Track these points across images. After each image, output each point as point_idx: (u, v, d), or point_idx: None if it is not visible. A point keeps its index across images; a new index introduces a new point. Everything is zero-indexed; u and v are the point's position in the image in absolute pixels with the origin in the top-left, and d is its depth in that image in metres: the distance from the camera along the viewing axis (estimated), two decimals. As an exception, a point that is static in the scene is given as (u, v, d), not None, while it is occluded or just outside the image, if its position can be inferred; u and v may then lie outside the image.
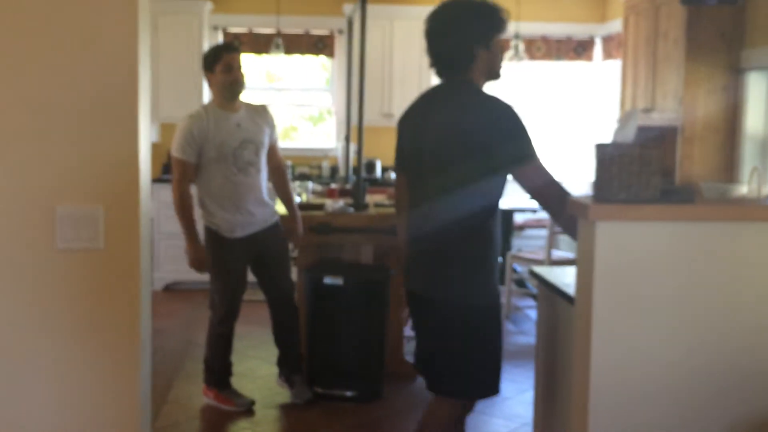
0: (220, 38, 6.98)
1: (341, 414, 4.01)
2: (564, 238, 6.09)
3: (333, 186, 5.43)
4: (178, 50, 6.61)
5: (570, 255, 5.62)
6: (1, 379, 2.11)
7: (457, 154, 2.49)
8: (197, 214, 3.90)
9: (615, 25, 6.68)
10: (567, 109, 7.36)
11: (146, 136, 2.19)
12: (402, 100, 6.76)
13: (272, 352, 4.33)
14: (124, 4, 2.05)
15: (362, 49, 4.50)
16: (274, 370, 4.32)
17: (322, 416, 3.98)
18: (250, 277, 4.06)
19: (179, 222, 3.88)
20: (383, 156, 7.06)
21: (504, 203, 2.73)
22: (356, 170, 4.60)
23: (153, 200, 6.36)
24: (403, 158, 2.73)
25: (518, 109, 2.49)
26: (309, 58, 7.26)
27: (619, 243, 2.16)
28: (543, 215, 6.29)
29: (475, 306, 2.56)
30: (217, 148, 3.78)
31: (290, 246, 4.25)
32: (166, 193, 6.44)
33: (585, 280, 2.23)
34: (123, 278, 2.12)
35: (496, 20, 2.56)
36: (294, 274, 4.46)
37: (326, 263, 4.37)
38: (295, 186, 5.03)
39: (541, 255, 5.61)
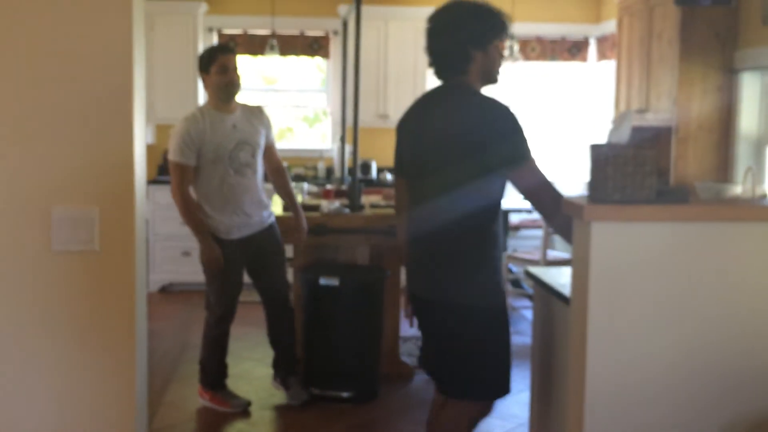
0: (215, 39, 6.98)
1: (337, 415, 4.01)
2: (559, 239, 6.09)
3: (329, 187, 5.43)
4: (173, 51, 6.60)
5: (565, 255, 5.63)
6: (-4, 381, 2.11)
7: (454, 155, 2.50)
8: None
9: (609, 26, 6.69)
10: (561, 109, 7.37)
11: (141, 137, 2.19)
12: (397, 101, 6.79)
13: (268, 354, 4.32)
14: (119, 6, 2.05)
15: (357, 50, 4.50)
16: (270, 371, 4.31)
17: (318, 417, 3.98)
18: (246, 278, 4.05)
19: (187, 225, 3.84)
20: (379, 157, 7.06)
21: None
22: (352, 171, 4.60)
23: (148, 202, 6.36)
24: (402, 161, 2.74)
25: (514, 110, 2.50)
26: (304, 60, 7.26)
27: (614, 243, 2.17)
28: (538, 215, 6.29)
29: (480, 307, 2.56)
30: (214, 150, 3.78)
31: (290, 246, 4.25)
32: (162, 194, 6.47)
33: (580, 280, 2.24)
34: (118, 280, 2.12)
35: (495, 24, 2.58)
36: (290, 275, 4.46)
37: (322, 264, 4.38)
38: (290, 187, 5.03)
39: (536, 255, 5.61)
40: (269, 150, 4.05)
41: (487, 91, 2.63)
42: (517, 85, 7.15)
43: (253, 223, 3.93)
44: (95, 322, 2.11)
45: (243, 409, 4.04)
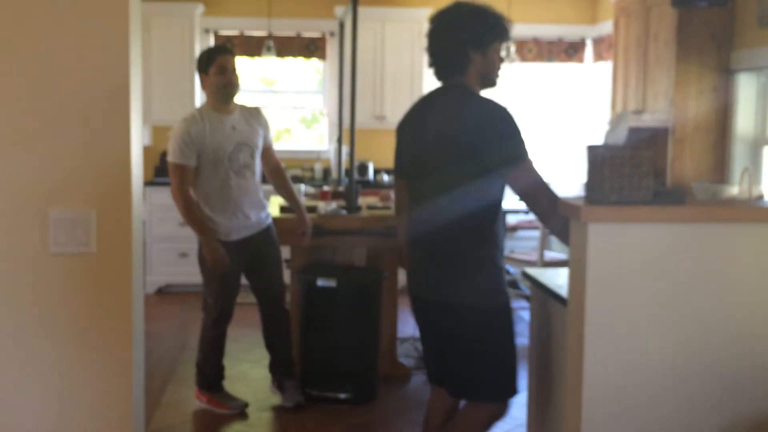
0: (211, 41, 6.98)
1: (335, 416, 4.01)
2: (556, 240, 6.10)
3: (326, 188, 5.43)
4: (170, 53, 6.60)
5: (562, 256, 5.63)
6: (-7, 383, 2.10)
7: (452, 156, 2.51)
8: None
9: (606, 27, 6.70)
10: (558, 110, 7.37)
11: (138, 139, 2.18)
12: (394, 102, 6.79)
13: (265, 355, 4.32)
14: (116, 6, 2.04)
15: (354, 51, 4.50)
16: (268, 373, 4.31)
17: (315, 418, 3.97)
18: (243, 279, 4.04)
19: (190, 227, 3.80)
20: (375, 158, 7.06)
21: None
22: (349, 172, 4.60)
23: (145, 203, 6.35)
24: (402, 162, 2.76)
25: (512, 111, 2.50)
26: (301, 61, 7.26)
27: (611, 244, 2.17)
28: (534, 217, 6.29)
29: (480, 308, 2.57)
30: (214, 151, 3.76)
31: (287, 247, 4.24)
32: (158, 195, 6.46)
33: (577, 281, 2.24)
34: (115, 282, 2.11)
35: (496, 26, 2.59)
36: (287, 276, 4.46)
37: (319, 265, 4.38)
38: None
39: (533, 256, 5.62)
40: (267, 151, 4.04)
41: (485, 93, 2.64)
42: (513, 86, 7.16)
43: (251, 225, 3.92)
44: (92, 324, 2.11)
45: (240, 411, 4.04)
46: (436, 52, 2.61)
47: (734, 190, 2.45)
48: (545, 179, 2.50)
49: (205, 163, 3.76)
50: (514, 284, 6.26)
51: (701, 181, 4.34)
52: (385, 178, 6.88)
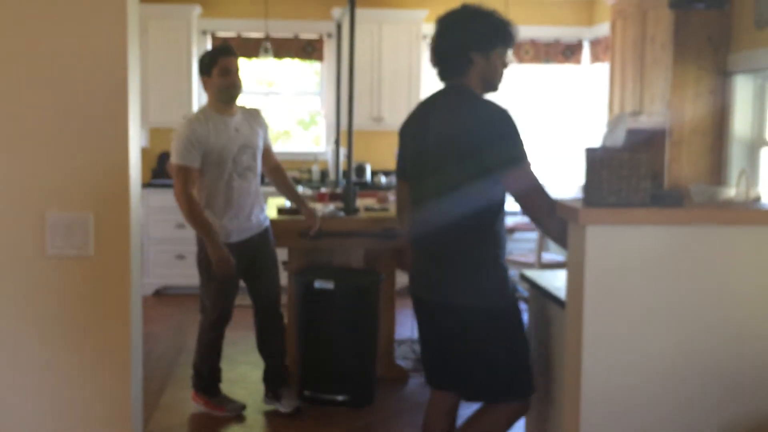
0: (208, 42, 6.97)
1: (333, 418, 4.00)
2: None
3: (323, 190, 5.43)
4: (167, 55, 6.59)
5: (560, 258, 5.64)
6: (-10, 387, 2.10)
7: (453, 157, 2.52)
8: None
9: (603, 29, 6.71)
10: (555, 112, 7.38)
11: (136, 141, 2.18)
12: (391, 104, 6.79)
13: (263, 358, 4.31)
14: (113, 9, 2.04)
15: (351, 53, 4.50)
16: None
17: (313, 421, 3.97)
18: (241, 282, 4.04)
19: (195, 228, 3.75)
20: (373, 160, 7.06)
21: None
22: (346, 174, 4.60)
23: (142, 205, 6.34)
24: (405, 165, 2.77)
25: (512, 113, 2.51)
26: (299, 62, 7.26)
27: (609, 247, 2.17)
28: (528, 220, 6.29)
29: (481, 308, 2.57)
30: (218, 153, 3.73)
31: (284, 249, 4.22)
32: (156, 198, 6.46)
33: (576, 283, 2.24)
34: (113, 285, 2.11)
35: (500, 31, 2.61)
36: (284, 278, 4.45)
37: (317, 267, 4.37)
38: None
39: (531, 258, 5.62)
40: (266, 151, 4.04)
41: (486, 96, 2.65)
42: (511, 88, 7.16)
43: (251, 227, 3.91)
44: (90, 327, 2.11)
45: (238, 413, 4.03)
46: (440, 52, 2.64)
47: (731, 192, 2.46)
48: (541, 183, 2.50)
49: (209, 164, 3.74)
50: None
51: (698, 183, 4.34)
52: (383, 179, 6.88)
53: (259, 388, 4.35)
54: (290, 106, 7.47)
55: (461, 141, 2.50)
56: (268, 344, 4.09)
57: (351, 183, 4.49)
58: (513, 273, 2.73)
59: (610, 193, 2.16)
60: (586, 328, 2.19)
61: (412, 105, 6.95)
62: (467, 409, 2.91)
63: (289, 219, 4.33)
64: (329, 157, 6.88)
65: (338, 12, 6.29)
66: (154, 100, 6.47)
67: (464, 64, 2.58)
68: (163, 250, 6.53)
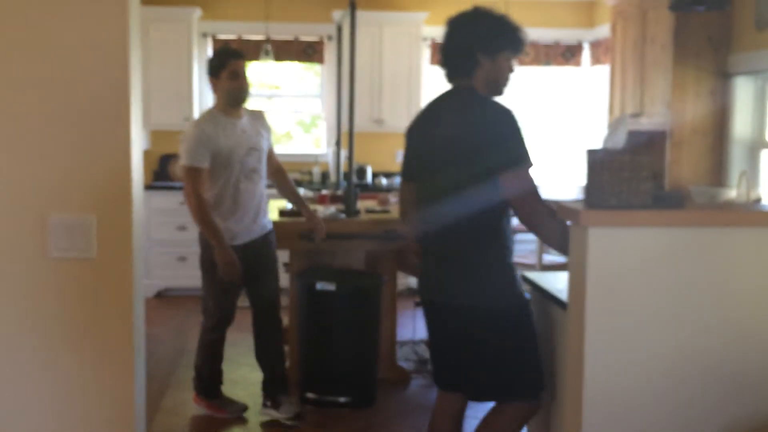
0: (209, 45, 6.98)
1: (335, 420, 4.01)
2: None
3: (324, 192, 5.43)
4: (168, 57, 6.60)
5: (561, 259, 5.64)
6: (-6, 389, 2.10)
7: (458, 158, 2.53)
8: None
9: (603, 30, 6.71)
10: (556, 114, 7.38)
11: (139, 144, 2.19)
12: (392, 106, 6.80)
13: (264, 359, 4.31)
14: (115, 12, 2.05)
15: (352, 55, 4.51)
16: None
17: (315, 423, 3.97)
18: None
19: (203, 230, 3.74)
20: (374, 162, 7.07)
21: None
22: (347, 176, 4.60)
23: (144, 207, 6.34)
24: (411, 166, 2.78)
25: (516, 115, 2.52)
26: (300, 65, 7.26)
27: (611, 248, 2.17)
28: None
29: (497, 309, 2.57)
30: (227, 154, 3.73)
31: (285, 251, 4.21)
32: (157, 200, 6.47)
33: (577, 285, 2.25)
34: (116, 287, 2.11)
35: (508, 35, 2.62)
36: (286, 280, 4.46)
37: (318, 269, 4.38)
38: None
39: (532, 259, 5.63)
40: (269, 153, 4.04)
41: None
42: (511, 90, 7.16)
43: (255, 230, 3.91)
44: (93, 329, 2.11)
45: (240, 414, 4.03)
46: (447, 51, 2.65)
47: (732, 193, 2.46)
48: (538, 188, 2.50)
49: (217, 165, 3.73)
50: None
51: (699, 185, 4.35)
52: (384, 181, 6.89)
53: (260, 389, 4.35)
54: (291, 108, 7.48)
55: (465, 141, 2.52)
56: (266, 350, 4.05)
57: (352, 185, 4.50)
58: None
59: (611, 195, 2.16)
60: (588, 330, 2.19)
61: (413, 107, 6.99)
62: (472, 410, 2.91)
63: (291, 221, 4.33)
64: (330, 159, 6.89)
65: (339, 14, 6.29)
66: (155, 102, 6.47)
67: (470, 65, 2.59)
68: (165, 251, 6.54)
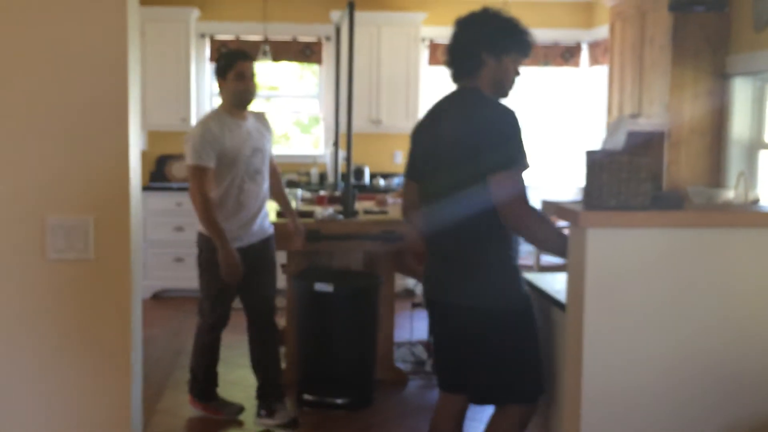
0: (207, 46, 6.98)
1: (332, 421, 4.00)
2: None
3: (322, 193, 5.43)
4: (166, 58, 6.59)
5: (559, 260, 5.64)
6: (-10, 391, 2.09)
7: (461, 158, 2.54)
8: (195, 219, 3.82)
9: (602, 31, 6.71)
10: (554, 114, 7.38)
11: (137, 145, 2.18)
12: (390, 107, 6.80)
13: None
14: (114, 12, 2.04)
15: (350, 55, 4.50)
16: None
17: (312, 424, 3.97)
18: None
19: (208, 230, 3.71)
20: (372, 163, 7.06)
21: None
22: (345, 177, 4.60)
23: (141, 209, 6.33)
24: (416, 166, 2.78)
25: (518, 117, 2.51)
26: (298, 65, 7.26)
27: (609, 249, 2.17)
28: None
29: (500, 310, 2.57)
30: (232, 155, 3.72)
31: (283, 252, 4.20)
32: (154, 201, 6.45)
33: (576, 286, 2.24)
34: (114, 289, 2.11)
35: (515, 37, 2.62)
36: (284, 281, 4.45)
37: (316, 270, 4.37)
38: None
39: (530, 260, 5.62)
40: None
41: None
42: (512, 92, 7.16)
43: (256, 232, 3.90)
44: (91, 331, 2.10)
45: (236, 416, 4.02)
46: (453, 50, 2.65)
47: (730, 194, 2.46)
48: (526, 192, 2.48)
49: (222, 166, 3.72)
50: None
51: (697, 185, 4.35)
52: (381, 182, 6.88)
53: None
54: (289, 109, 7.47)
55: (467, 141, 2.52)
56: (261, 357, 4.02)
57: (350, 186, 4.50)
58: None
59: (610, 196, 2.16)
60: (587, 330, 2.19)
61: (411, 108, 6.98)
62: (471, 411, 2.90)
63: (287, 222, 4.32)
64: (328, 160, 6.88)
65: (337, 15, 6.29)
66: (152, 102, 6.46)
67: (475, 64, 2.59)
68: (162, 253, 6.53)
